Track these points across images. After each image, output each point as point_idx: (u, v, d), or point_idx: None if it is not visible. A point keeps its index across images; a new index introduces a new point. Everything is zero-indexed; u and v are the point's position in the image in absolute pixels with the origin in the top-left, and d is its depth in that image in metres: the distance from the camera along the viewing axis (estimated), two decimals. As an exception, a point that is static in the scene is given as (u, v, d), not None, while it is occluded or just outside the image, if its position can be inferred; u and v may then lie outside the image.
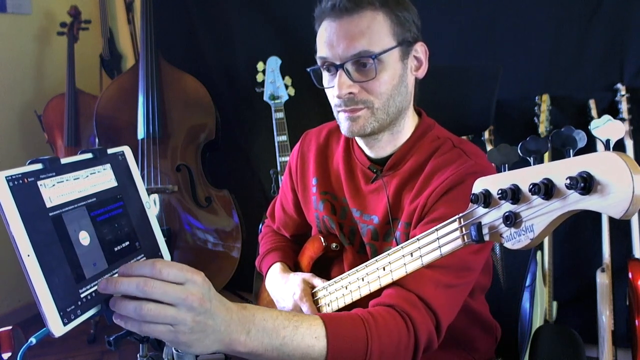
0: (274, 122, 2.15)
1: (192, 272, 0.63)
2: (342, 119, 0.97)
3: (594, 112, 1.87)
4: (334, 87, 0.94)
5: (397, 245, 0.83)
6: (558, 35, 1.92)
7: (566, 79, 1.95)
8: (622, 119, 1.83)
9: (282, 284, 1.11)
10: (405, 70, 0.96)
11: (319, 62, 0.97)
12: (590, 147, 0.57)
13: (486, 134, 2.01)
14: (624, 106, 1.83)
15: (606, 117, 0.51)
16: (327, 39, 0.93)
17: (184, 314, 0.61)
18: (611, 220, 1.85)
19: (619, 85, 1.85)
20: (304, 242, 1.18)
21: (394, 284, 0.85)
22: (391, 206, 0.99)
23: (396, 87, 0.94)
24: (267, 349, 0.70)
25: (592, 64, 1.90)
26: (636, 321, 1.59)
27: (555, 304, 2.01)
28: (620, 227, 1.85)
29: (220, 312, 0.65)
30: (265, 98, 2.18)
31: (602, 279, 1.80)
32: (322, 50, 0.94)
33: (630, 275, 1.65)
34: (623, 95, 1.83)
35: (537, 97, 1.95)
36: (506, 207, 0.61)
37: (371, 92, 0.93)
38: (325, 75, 0.98)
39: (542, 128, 1.92)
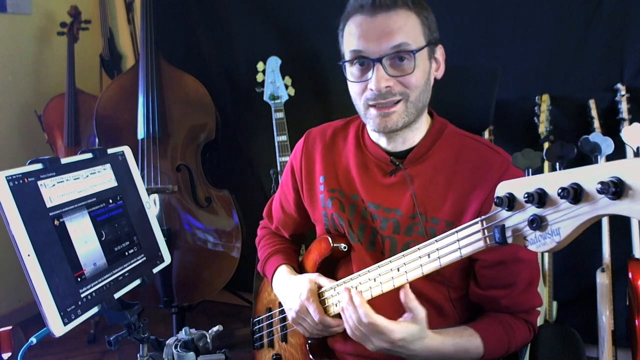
0: (274, 122, 2.15)
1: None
2: (373, 115, 0.97)
3: (594, 112, 1.87)
4: (368, 81, 0.95)
5: (428, 239, 0.83)
6: (558, 35, 1.92)
7: (566, 79, 1.95)
8: (622, 119, 1.83)
9: (288, 285, 1.11)
10: (431, 70, 1.00)
11: (349, 56, 0.98)
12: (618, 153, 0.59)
13: (486, 134, 2.01)
14: (624, 106, 1.83)
15: (636, 124, 0.53)
16: (362, 33, 0.94)
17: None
18: (611, 220, 1.85)
19: (619, 85, 1.85)
20: (302, 242, 1.18)
21: (505, 291, 0.99)
22: (417, 200, 1.00)
23: (425, 85, 0.98)
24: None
25: (592, 64, 1.90)
26: (636, 321, 1.58)
27: (555, 304, 2.01)
28: (620, 227, 1.85)
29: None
30: (265, 98, 2.18)
31: (602, 279, 1.80)
32: (355, 44, 0.95)
33: (630, 275, 1.65)
34: (623, 95, 1.83)
35: (537, 97, 1.95)
36: (531, 210, 0.63)
37: (407, 85, 0.95)
38: (353, 69, 0.98)
39: (542, 128, 1.92)
